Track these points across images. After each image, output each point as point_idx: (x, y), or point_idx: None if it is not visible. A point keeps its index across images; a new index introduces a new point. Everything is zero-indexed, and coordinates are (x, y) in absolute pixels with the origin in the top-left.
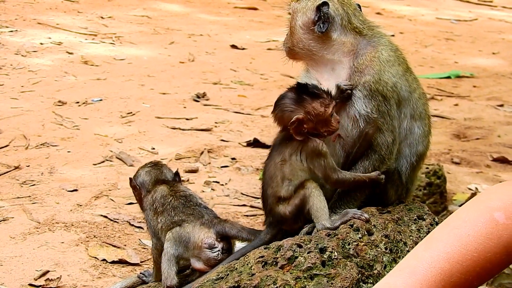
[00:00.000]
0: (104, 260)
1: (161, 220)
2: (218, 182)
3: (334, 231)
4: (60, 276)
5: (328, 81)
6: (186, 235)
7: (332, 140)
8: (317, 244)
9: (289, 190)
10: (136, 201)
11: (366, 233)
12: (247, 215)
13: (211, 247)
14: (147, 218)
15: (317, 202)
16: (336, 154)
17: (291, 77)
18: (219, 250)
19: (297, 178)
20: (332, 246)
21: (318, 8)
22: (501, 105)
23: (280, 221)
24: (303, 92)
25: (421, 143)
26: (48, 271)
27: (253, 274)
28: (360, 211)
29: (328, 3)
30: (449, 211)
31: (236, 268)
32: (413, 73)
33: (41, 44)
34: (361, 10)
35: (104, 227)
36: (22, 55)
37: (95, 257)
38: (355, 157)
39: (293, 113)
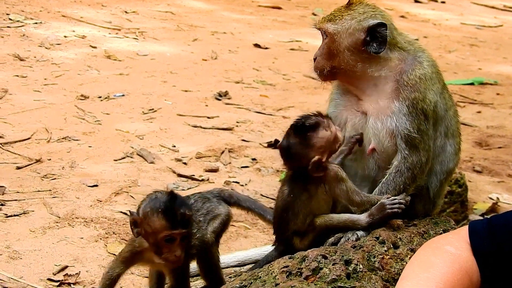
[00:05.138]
0: None
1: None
2: (238, 183)
3: (360, 243)
4: (79, 271)
5: (370, 96)
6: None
7: (367, 154)
8: (343, 256)
9: (306, 223)
10: None
11: (391, 246)
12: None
13: None
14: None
15: (338, 218)
16: (369, 167)
17: (313, 78)
18: None
19: (320, 211)
20: (358, 258)
21: (370, 29)
22: None
23: (292, 251)
24: (303, 130)
25: (452, 160)
26: (67, 266)
27: (277, 284)
28: (396, 199)
29: (385, 24)
30: (470, 220)
31: (260, 277)
32: (448, 89)
33: (65, 37)
34: None
35: (124, 224)
36: (46, 48)
37: (114, 254)
38: None
39: (309, 156)
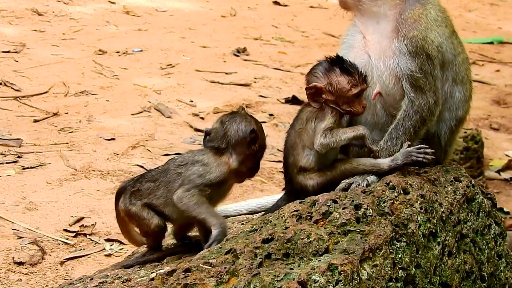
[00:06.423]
0: None
1: None
2: None
3: (370, 189)
4: (95, 223)
5: (373, 35)
6: None
7: (372, 98)
8: (353, 201)
9: (309, 160)
10: None
11: (402, 192)
12: (282, 172)
13: None
14: None
15: (358, 161)
16: (377, 113)
17: (332, 35)
18: None
19: None
20: (367, 203)
21: None
22: None
23: (298, 191)
24: (336, 64)
25: (461, 107)
26: (83, 218)
27: (287, 227)
28: (421, 149)
29: None
30: (485, 176)
31: (271, 221)
32: (458, 36)
33: None
34: None
35: None
36: (64, 3)
37: None
38: None
39: (316, 80)
